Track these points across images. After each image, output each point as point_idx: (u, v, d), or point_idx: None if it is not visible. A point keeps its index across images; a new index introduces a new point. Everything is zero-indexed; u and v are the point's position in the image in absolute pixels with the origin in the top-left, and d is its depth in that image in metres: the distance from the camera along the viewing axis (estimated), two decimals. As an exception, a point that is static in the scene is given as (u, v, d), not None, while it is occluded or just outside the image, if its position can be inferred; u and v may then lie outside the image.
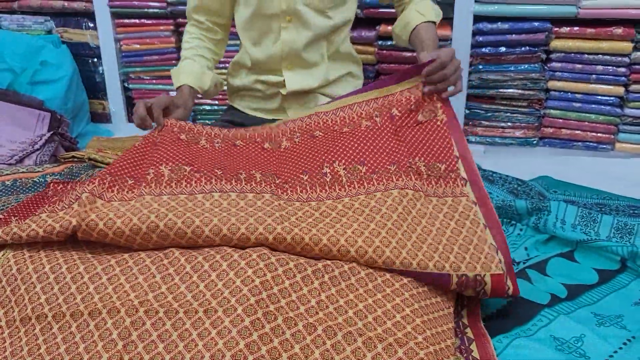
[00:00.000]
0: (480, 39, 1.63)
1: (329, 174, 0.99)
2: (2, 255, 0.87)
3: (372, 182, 0.97)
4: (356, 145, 1.06)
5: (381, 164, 1.01)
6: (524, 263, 1.07)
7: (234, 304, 0.74)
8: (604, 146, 1.68)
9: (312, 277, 0.79)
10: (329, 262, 0.82)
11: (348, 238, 0.84)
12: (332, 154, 1.05)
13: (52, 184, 1.23)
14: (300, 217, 0.89)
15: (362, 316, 0.76)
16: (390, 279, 0.83)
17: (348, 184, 0.98)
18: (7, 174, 1.40)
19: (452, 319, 0.84)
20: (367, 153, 1.04)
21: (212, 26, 1.38)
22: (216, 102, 2.01)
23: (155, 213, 0.86)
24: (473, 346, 0.82)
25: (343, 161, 1.03)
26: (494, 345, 0.83)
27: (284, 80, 1.35)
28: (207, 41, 1.38)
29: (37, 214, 0.98)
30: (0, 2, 1.98)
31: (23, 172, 1.41)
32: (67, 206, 0.95)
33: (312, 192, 0.97)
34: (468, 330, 0.86)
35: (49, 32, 2.03)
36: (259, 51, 1.35)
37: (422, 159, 1.05)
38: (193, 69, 1.32)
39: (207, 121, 2.04)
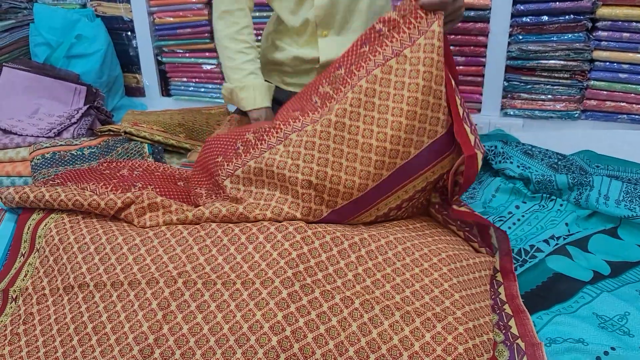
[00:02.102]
0: (521, 7, 1.57)
1: (318, 100, 0.94)
2: (45, 226, 0.90)
3: (353, 74, 0.89)
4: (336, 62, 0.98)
5: (355, 53, 0.94)
6: (564, 239, 1.04)
7: (271, 276, 0.74)
8: (651, 119, 1.61)
9: (349, 251, 0.79)
10: (366, 235, 0.82)
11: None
12: (316, 84, 0.99)
13: (105, 162, 1.25)
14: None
15: (399, 290, 0.75)
16: (428, 253, 0.81)
17: (335, 92, 0.90)
18: (46, 147, 1.43)
19: (489, 295, 0.83)
20: (343, 57, 0.96)
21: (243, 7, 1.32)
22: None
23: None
24: (512, 322, 0.81)
25: (324, 80, 0.96)
26: (534, 322, 0.81)
27: (318, 58, 1.32)
28: (246, 35, 1.31)
29: (88, 185, 1.01)
30: (36, -23, 2.00)
31: (62, 145, 1.44)
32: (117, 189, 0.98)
33: (305, 119, 0.90)
34: (506, 306, 0.84)
35: (84, 5, 2.04)
36: (294, 19, 1.32)
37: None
38: (263, 86, 1.29)
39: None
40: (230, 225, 0.83)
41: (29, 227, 0.93)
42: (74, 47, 1.92)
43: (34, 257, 0.88)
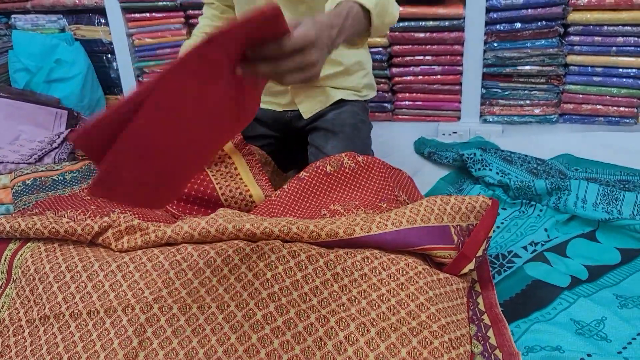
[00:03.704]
0: (495, 15, 1.59)
1: (327, 214, 1.00)
2: (21, 256, 0.89)
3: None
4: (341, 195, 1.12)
5: (371, 201, 1.07)
6: (543, 245, 1.05)
7: (245, 297, 0.74)
8: (627, 120, 1.62)
9: (325, 269, 0.79)
10: (341, 252, 0.82)
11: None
12: (325, 202, 1.10)
13: (86, 188, 1.25)
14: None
15: (375, 306, 0.75)
16: (404, 267, 0.82)
17: (347, 212, 0.99)
18: (27, 173, 1.42)
19: (466, 308, 0.83)
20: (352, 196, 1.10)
21: (224, 7, 1.37)
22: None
23: (171, 228, 0.88)
24: (490, 333, 0.81)
25: (338, 202, 1.06)
26: (512, 331, 0.82)
27: None
28: (217, 21, 1.37)
29: (65, 212, 1.01)
30: (14, 2, 2.00)
31: (42, 171, 1.44)
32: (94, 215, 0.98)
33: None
34: (485, 317, 0.85)
35: (62, 30, 2.04)
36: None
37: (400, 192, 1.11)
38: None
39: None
40: (206, 247, 0.83)
41: (5, 258, 0.92)
42: (54, 71, 1.92)
43: (11, 288, 0.88)
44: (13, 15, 2.03)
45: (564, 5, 1.53)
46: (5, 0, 1.99)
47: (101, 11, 1.98)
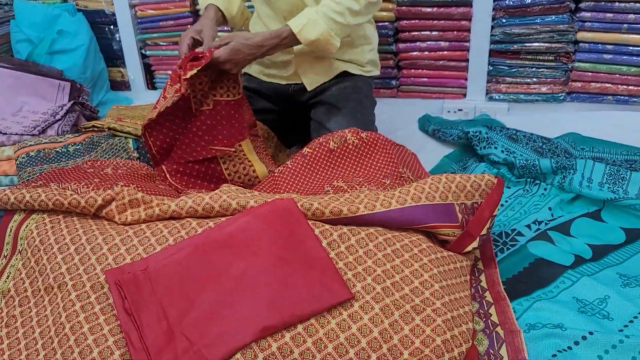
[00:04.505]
0: (504, -10, 1.56)
1: (330, 190, 1.01)
2: (26, 227, 0.90)
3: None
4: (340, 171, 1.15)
5: (374, 177, 1.09)
6: (546, 224, 1.04)
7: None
8: (636, 99, 1.60)
9: (328, 249, 0.79)
10: (345, 229, 0.82)
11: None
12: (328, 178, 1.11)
13: (90, 161, 1.25)
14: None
15: (380, 280, 0.75)
16: (409, 244, 0.82)
17: (350, 188, 1.00)
18: (31, 145, 1.42)
19: (469, 285, 0.83)
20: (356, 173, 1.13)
21: None
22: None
23: (176, 202, 0.88)
24: (492, 310, 0.82)
25: (341, 179, 1.07)
26: (514, 308, 0.82)
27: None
28: None
29: (69, 185, 1.02)
30: (15, -29, 1.96)
31: (46, 143, 1.43)
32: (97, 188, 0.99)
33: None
34: (487, 294, 0.85)
35: (64, 0, 2.01)
36: (267, 8, 1.31)
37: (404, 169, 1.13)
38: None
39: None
40: (210, 223, 0.83)
41: (10, 229, 0.93)
42: (56, 42, 1.90)
43: (16, 258, 0.88)
44: (13, -16, 2.00)
45: (575, -20, 1.49)
46: (6, -32, 1.96)
47: (104, -19, 1.95)
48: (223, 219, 0.84)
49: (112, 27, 2.03)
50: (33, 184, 1.12)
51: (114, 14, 1.98)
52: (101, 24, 2.03)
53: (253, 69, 1.43)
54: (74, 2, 2.00)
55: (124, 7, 1.95)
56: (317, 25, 1.14)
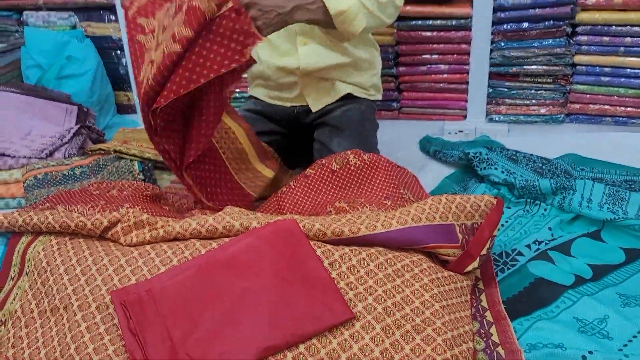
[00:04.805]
0: (502, 15, 1.59)
1: (332, 211, 1.03)
2: (33, 249, 0.91)
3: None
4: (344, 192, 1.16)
5: (376, 198, 1.10)
6: (546, 244, 1.05)
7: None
8: (634, 121, 1.62)
9: (330, 269, 0.80)
10: (347, 250, 0.83)
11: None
12: (330, 199, 1.13)
13: (96, 183, 1.27)
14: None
15: (381, 300, 0.76)
16: (409, 264, 0.83)
17: (352, 209, 1.01)
18: (38, 168, 1.44)
19: (470, 305, 0.84)
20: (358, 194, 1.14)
21: None
22: (237, 89, 2.02)
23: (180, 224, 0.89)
24: (493, 330, 0.82)
25: (343, 200, 1.08)
26: (515, 328, 0.83)
27: (299, 67, 1.35)
28: None
29: (76, 207, 1.04)
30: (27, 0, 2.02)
31: (53, 166, 1.46)
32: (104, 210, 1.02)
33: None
34: (487, 313, 0.86)
35: (74, 27, 2.06)
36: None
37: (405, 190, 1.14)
38: None
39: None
40: (214, 244, 0.85)
41: (18, 251, 0.94)
42: (65, 68, 1.95)
43: (23, 280, 0.90)
44: (25, 12, 2.05)
45: (572, 5, 1.53)
46: (17, -4, 2.02)
47: (111, 8, 2.00)
48: (226, 239, 0.86)
49: (118, 52, 2.08)
50: (40, 206, 1.14)
51: (120, 40, 2.03)
52: (108, 49, 2.08)
53: (258, 92, 1.46)
54: (82, 29, 2.06)
55: (131, 33, 2.00)
56: None
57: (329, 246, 0.83)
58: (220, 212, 0.91)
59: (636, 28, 1.51)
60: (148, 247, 0.86)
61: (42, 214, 0.95)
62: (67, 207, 1.06)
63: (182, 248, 0.85)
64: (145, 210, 1.03)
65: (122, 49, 2.06)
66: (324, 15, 1.13)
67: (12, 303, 0.86)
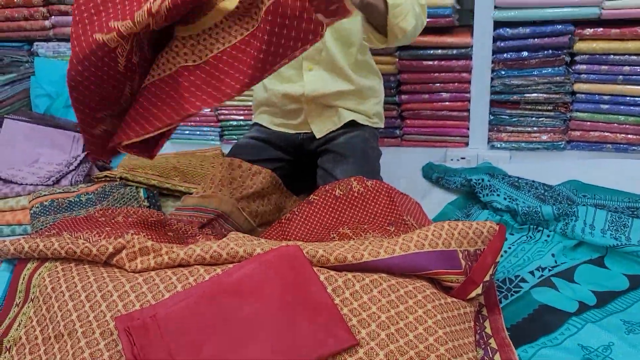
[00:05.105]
0: (502, 44, 1.62)
1: (336, 237, 1.05)
2: (39, 276, 0.92)
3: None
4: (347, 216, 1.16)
5: (379, 225, 1.11)
6: (550, 270, 1.05)
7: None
8: (635, 148, 1.63)
9: (333, 295, 0.81)
10: (350, 276, 0.84)
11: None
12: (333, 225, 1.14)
13: (101, 210, 1.28)
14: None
15: (385, 327, 0.76)
16: (413, 290, 0.83)
17: (355, 235, 1.03)
18: (45, 195, 1.46)
19: (473, 332, 0.84)
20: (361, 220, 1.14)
21: None
22: (242, 117, 2.05)
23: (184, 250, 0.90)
24: (497, 357, 0.82)
25: (346, 226, 1.10)
26: (519, 356, 0.82)
27: (304, 93, 1.37)
28: None
29: (81, 234, 1.05)
30: (37, 31, 2.07)
31: (60, 193, 1.48)
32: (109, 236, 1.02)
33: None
34: (492, 340, 0.86)
35: (82, 57, 2.11)
36: None
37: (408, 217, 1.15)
38: None
39: (233, 136, 2.08)
40: (218, 270, 0.85)
41: (24, 277, 0.95)
42: (73, 97, 1.98)
43: (28, 306, 0.90)
44: (36, 43, 2.10)
45: (570, 35, 1.56)
46: (28, 28, 2.06)
47: (119, 39, 2.05)
48: (230, 265, 0.86)
49: (126, 81, 2.12)
50: (46, 233, 1.15)
51: (128, 69, 2.07)
52: (116, 79, 2.12)
53: (263, 119, 1.49)
54: (91, 59, 2.10)
55: (138, 63, 2.04)
56: None
57: (332, 272, 0.84)
58: (224, 239, 0.92)
59: (634, 57, 1.53)
60: (153, 273, 0.87)
61: (48, 240, 0.96)
62: (73, 233, 1.07)
63: (186, 274, 0.85)
64: (150, 237, 1.04)
65: (129, 78, 2.09)
66: (382, 2, 1.14)
67: (17, 329, 0.87)
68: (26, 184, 1.56)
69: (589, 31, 1.55)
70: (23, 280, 0.95)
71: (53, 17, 2.04)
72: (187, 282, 0.84)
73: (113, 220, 1.18)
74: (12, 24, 2.06)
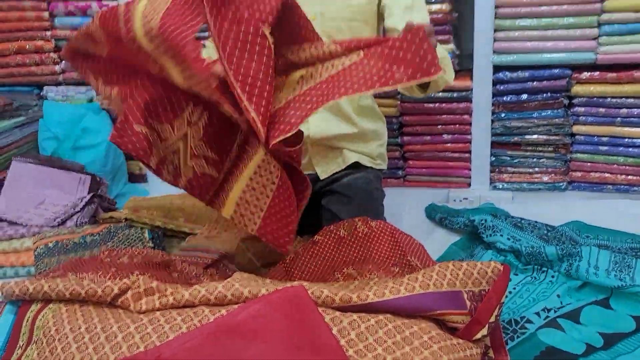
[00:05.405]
0: (501, 87, 1.66)
1: (340, 278, 1.06)
2: (43, 317, 0.92)
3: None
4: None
5: (383, 265, 1.11)
6: (555, 311, 1.05)
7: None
8: (636, 189, 1.64)
9: (338, 336, 0.80)
10: (355, 317, 0.83)
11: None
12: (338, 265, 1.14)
13: (107, 250, 1.29)
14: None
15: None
16: (418, 331, 0.83)
17: (360, 276, 1.03)
18: (49, 237, 1.47)
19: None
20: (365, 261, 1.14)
21: None
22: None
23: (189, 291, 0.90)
24: (505, 400, 0.81)
25: (351, 266, 1.11)
26: (527, 399, 0.81)
27: (309, 135, 1.40)
28: None
29: (86, 275, 1.05)
30: (47, 75, 2.13)
31: (64, 234, 1.48)
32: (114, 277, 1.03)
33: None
34: (499, 383, 0.84)
35: (90, 100, 2.16)
36: None
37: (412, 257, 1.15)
38: None
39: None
40: (223, 311, 0.85)
41: (27, 319, 0.95)
42: (80, 139, 2.02)
43: (32, 349, 0.90)
44: (45, 87, 2.16)
45: (567, 79, 1.60)
46: (39, 73, 2.12)
47: (127, 83, 2.10)
48: (235, 306, 0.86)
49: (133, 123, 2.16)
50: (51, 274, 1.15)
51: (135, 112, 2.12)
52: (123, 121, 2.16)
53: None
54: (98, 102, 2.15)
55: (145, 106, 2.08)
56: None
57: (337, 313, 0.83)
58: (229, 279, 0.92)
59: (630, 100, 1.56)
60: (158, 313, 0.87)
61: (52, 281, 0.96)
62: (78, 274, 1.08)
63: (191, 315, 0.85)
64: (155, 278, 1.04)
65: (136, 121, 2.14)
66: None
67: (20, 372, 0.86)
68: (31, 226, 1.57)
69: (585, 75, 1.59)
70: (27, 322, 0.95)
71: (63, 62, 2.11)
72: (192, 323, 0.83)
73: (118, 261, 1.18)
74: (23, 69, 2.12)
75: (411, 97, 1.75)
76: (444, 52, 1.23)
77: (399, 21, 1.25)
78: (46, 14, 2.04)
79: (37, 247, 1.43)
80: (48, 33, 2.07)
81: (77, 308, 0.91)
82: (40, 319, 0.93)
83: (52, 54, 2.09)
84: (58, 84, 2.16)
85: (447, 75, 1.24)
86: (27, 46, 2.09)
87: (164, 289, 0.93)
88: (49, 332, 0.88)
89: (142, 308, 0.90)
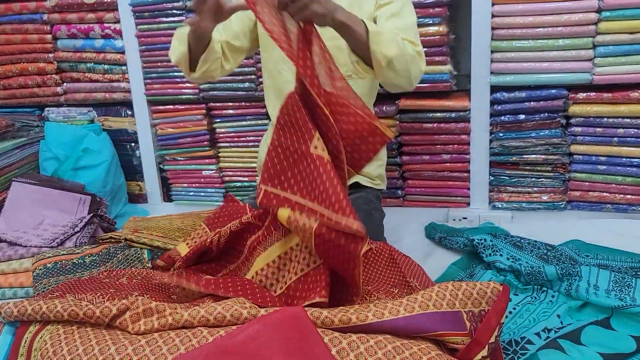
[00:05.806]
0: (499, 107, 1.68)
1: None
2: (40, 339, 0.92)
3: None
4: None
5: (383, 286, 1.12)
6: (556, 332, 1.04)
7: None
8: (635, 207, 1.65)
9: (337, 357, 0.80)
10: (354, 337, 0.83)
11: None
12: None
13: (106, 271, 1.29)
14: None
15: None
16: (418, 352, 0.82)
17: (360, 301, 1.02)
18: (49, 257, 1.46)
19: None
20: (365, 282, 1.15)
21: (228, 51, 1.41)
22: (246, 179, 2.08)
23: (188, 312, 0.90)
24: (505, 422, 0.80)
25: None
26: (528, 421, 0.81)
27: None
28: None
29: (85, 296, 1.05)
30: (49, 97, 2.15)
31: (64, 255, 1.48)
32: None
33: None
34: (499, 405, 0.84)
35: (92, 121, 2.17)
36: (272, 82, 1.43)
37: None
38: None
39: (237, 197, 2.10)
40: (221, 332, 0.85)
41: (25, 340, 0.94)
42: (81, 159, 2.03)
43: (29, 370, 0.89)
44: (47, 108, 2.18)
45: (564, 99, 1.61)
46: (41, 94, 2.15)
47: (129, 104, 2.12)
48: (234, 327, 0.86)
49: (133, 144, 2.17)
50: (50, 295, 1.15)
51: (135, 133, 2.13)
52: (123, 142, 2.18)
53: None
54: (99, 123, 2.16)
55: (145, 126, 2.10)
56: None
57: (336, 334, 0.83)
58: (228, 300, 0.92)
59: (627, 120, 1.58)
60: (156, 334, 0.86)
61: (51, 302, 0.96)
62: (77, 295, 1.07)
63: (189, 336, 0.85)
64: (154, 298, 1.04)
65: (136, 142, 2.15)
66: (360, 27, 1.15)
67: (17, 395, 0.85)
68: (30, 246, 1.57)
69: (582, 95, 1.60)
70: (25, 343, 0.94)
71: (65, 83, 2.13)
72: (190, 344, 0.83)
73: (117, 282, 1.18)
74: (25, 91, 2.15)
75: (410, 117, 1.76)
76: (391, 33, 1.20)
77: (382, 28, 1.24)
78: (49, 37, 2.07)
79: (35, 268, 1.43)
80: (51, 55, 2.09)
81: (75, 330, 0.91)
82: (38, 341, 0.92)
83: (54, 76, 2.11)
84: (59, 105, 2.18)
85: (385, 49, 1.18)
86: (30, 68, 2.11)
87: (162, 310, 0.92)
88: (47, 353, 0.87)
89: (140, 329, 0.90)
